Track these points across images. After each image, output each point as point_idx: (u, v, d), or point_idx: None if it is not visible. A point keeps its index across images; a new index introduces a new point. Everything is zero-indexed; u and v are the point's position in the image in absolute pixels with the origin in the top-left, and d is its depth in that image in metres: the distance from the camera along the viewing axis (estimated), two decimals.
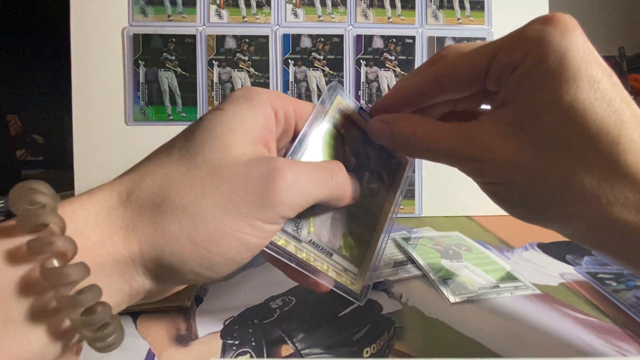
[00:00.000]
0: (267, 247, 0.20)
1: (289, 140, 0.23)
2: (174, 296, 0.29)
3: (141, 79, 0.51)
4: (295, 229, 0.21)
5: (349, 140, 0.24)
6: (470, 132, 0.20)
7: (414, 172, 0.51)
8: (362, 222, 0.25)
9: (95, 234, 0.16)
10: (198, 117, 0.51)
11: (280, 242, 0.21)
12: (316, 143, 0.22)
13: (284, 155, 0.22)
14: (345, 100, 0.24)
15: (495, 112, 0.20)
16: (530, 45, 0.18)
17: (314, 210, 0.21)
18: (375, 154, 0.25)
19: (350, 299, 0.23)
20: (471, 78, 0.20)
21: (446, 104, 0.24)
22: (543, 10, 0.53)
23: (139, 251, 0.17)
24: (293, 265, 0.21)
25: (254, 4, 0.52)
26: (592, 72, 0.17)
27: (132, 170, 0.19)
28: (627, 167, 0.17)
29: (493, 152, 0.19)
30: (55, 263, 0.14)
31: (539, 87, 0.18)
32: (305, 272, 0.22)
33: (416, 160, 0.52)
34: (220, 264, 0.18)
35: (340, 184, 0.21)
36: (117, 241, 0.17)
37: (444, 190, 0.51)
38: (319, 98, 0.53)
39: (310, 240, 0.22)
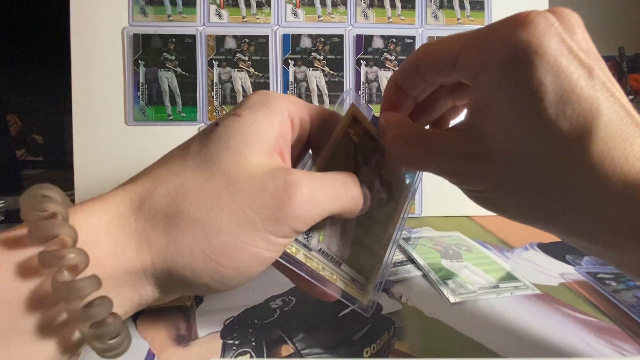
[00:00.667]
0: None
1: (302, 146, 0.23)
2: None
3: (141, 79, 0.51)
4: (305, 237, 0.21)
5: (361, 149, 0.24)
6: (445, 144, 0.19)
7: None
8: (371, 231, 0.24)
9: (108, 244, 0.16)
10: (198, 117, 0.51)
11: (291, 251, 0.21)
12: (330, 152, 0.22)
13: (297, 163, 0.21)
14: (360, 107, 0.24)
15: (466, 120, 0.19)
16: (494, 51, 0.17)
17: (325, 219, 0.21)
18: (386, 163, 0.25)
19: (357, 310, 0.23)
20: (442, 67, 0.20)
21: (446, 95, 0.24)
22: (543, 9, 0.53)
23: (150, 263, 0.17)
24: (302, 274, 0.21)
25: (254, 4, 0.52)
26: (560, 83, 0.16)
27: (144, 176, 0.18)
28: (602, 178, 0.16)
29: (468, 165, 0.18)
30: (67, 276, 0.14)
31: (502, 100, 0.17)
32: (314, 281, 0.21)
33: None
34: (232, 278, 0.18)
35: (353, 197, 0.21)
36: (129, 252, 0.16)
37: (444, 190, 0.51)
38: (319, 98, 0.53)
39: (320, 249, 0.22)
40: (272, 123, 0.19)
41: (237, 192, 0.17)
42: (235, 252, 0.17)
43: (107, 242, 0.16)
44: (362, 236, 0.24)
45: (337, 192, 0.20)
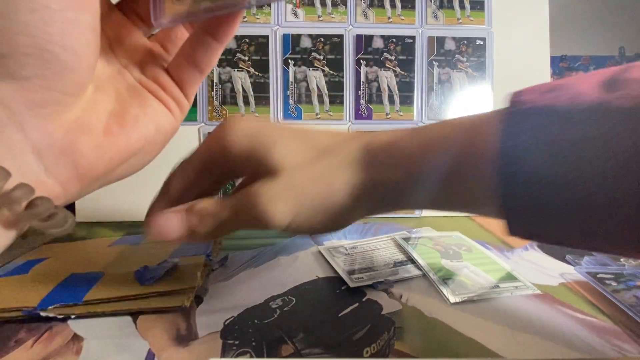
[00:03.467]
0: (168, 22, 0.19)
1: None
2: (174, 296, 0.29)
3: None
4: None
5: None
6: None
7: None
8: None
9: None
10: (198, 117, 0.51)
11: (189, 7, 0.19)
12: None
13: None
14: None
15: None
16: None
17: None
18: None
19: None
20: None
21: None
22: (543, 9, 0.53)
23: None
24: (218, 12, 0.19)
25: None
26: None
27: None
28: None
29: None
30: None
31: None
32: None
33: None
34: (40, 26, 0.15)
35: None
36: None
37: None
38: (319, 98, 0.53)
39: None
40: None
41: None
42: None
43: None
44: None
45: None
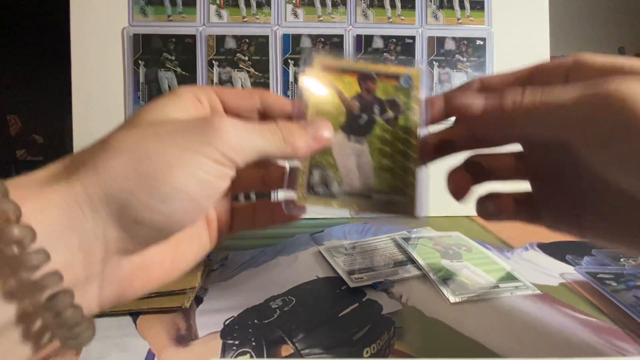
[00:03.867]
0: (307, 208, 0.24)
1: None
2: (174, 296, 0.29)
3: (141, 79, 0.51)
4: (326, 189, 0.24)
5: (344, 88, 0.25)
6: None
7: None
8: (393, 152, 0.25)
9: (35, 188, 0.16)
10: None
11: (319, 204, 0.23)
12: (314, 108, 0.24)
13: None
14: (326, 56, 0.26)
15: None
16: None
17: (332, 164, 0.24)
18: (378, 84, 0.26)
19: (409, 225, 0.24)
20: None
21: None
22: (543, 10, 0.53)
23: (82, 192, 0.16)
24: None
25: (254, 4, 0.52)
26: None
27: None
28: None
29: None
30: (15, 249, 0.14)
31: None
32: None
33: None
34: (172, 197, 0.17)
35: (285, 138, 0.21)
36: (57, 188, 0.16)
37: (444, 190, 0.51)
38: None
39: (344, 191, 0.24)
40: (183, 100, 0.21)
41: (162, 128, 0.18)
42: (167, 169, 0.17)
43: (35, 188, 0.16)
44: (383, 161, 0.25)
45: (260, 129, 0.21)
